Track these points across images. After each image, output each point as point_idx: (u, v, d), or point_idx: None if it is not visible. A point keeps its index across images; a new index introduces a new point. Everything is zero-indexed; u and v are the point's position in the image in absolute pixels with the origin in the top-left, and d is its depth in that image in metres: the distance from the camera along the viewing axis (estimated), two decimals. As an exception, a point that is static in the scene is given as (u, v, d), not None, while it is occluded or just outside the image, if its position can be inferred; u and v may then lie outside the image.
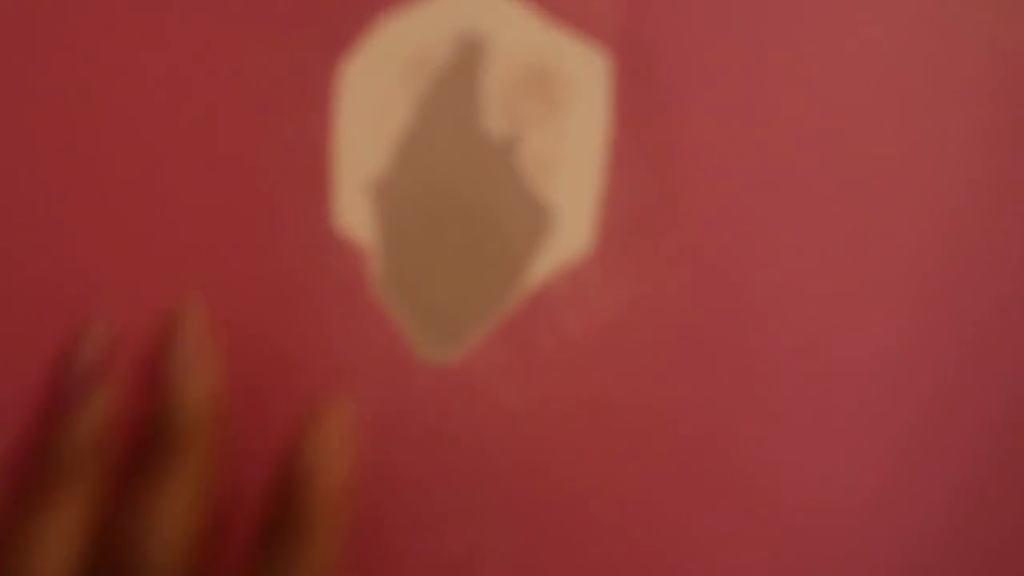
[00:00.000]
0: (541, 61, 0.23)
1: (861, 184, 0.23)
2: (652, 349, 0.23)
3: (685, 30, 0.23)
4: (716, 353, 0.23)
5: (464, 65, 0.23)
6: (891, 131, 0.23)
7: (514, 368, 0.24)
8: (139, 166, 0.23)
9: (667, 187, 0.23)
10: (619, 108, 0.23)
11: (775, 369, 0.23)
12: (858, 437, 0.24)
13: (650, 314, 0.23)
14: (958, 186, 0.23)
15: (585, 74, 0.23)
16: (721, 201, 0.23)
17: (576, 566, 0.24)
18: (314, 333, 0.24)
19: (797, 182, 0.23)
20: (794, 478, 0.24)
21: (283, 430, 0.23)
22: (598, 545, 0.24)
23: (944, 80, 0.23)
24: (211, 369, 0.22)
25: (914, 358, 0.23)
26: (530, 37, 0.23)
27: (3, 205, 0.23)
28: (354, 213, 0.24)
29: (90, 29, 0.23)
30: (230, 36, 0.23)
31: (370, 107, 0.23)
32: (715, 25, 0.23)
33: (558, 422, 0.24)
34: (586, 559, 0.24)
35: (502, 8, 0.23)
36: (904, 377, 0.23)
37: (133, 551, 0.20)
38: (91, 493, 0.20)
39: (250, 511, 0.22)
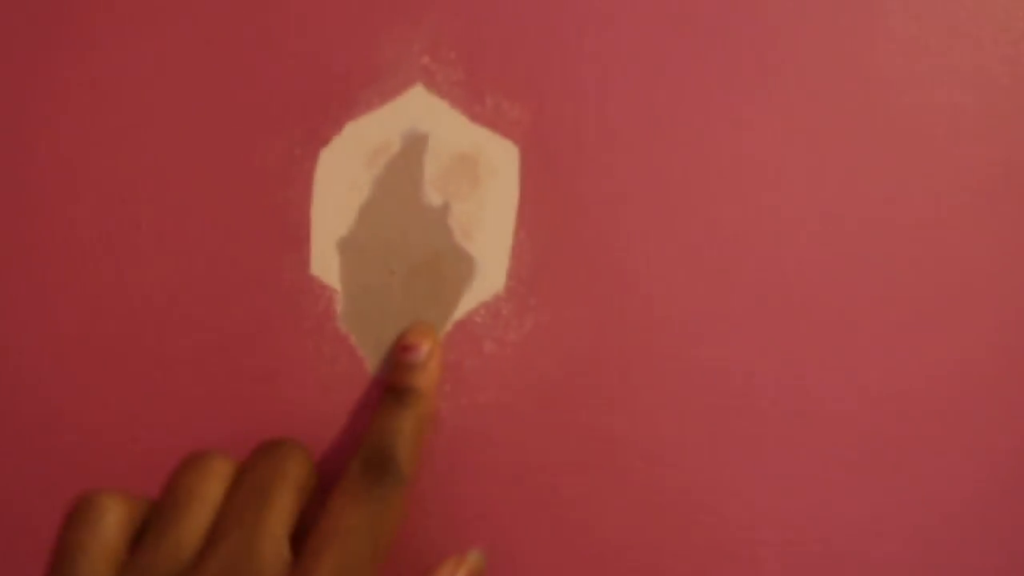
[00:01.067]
0: (468, 150, 0.31)
1: (706, 238, 0.30)
2: (553, 365, 0.30)
3: (574, 128, 0.31)
4: (602, 368, 0.30)
5: (410, 153, 0.31)
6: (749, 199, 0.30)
7: (445, 381, 0.30)
8: (160, 222, 0.31)
9: (562, 243, 0.30)
10: (526, 185, 0.31)
11: (650, 378, 0.30)
12: (729, 436, 0.30)
13: (551, 338, 0.30)
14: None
15: (501, 160, 0.31)
16: (603, 252, 0.30)
17: (500, 539, 0.30)
18: (294, 354, 0.31)
19: (664, 239, 0.30)
20: (674, 466, 0.30)
21: (271, 426, 0.30)
22: (514, 528, 0.30)
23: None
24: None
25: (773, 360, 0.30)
26: (460, 133, 0.31)
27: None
28: (326, 263, 0.31)
29: (121, 111, 0.31)
30: (238, 128, 0.31)
31: (340, 184, 0.31)
32: (596, 124, 0.31)
33: (477, 421, 0.30)
34: (504, 542, 0.30)
35: (439, 111, 0.31)
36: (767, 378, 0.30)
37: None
38: None
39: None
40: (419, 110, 0.31)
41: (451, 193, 0.31)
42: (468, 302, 0.30)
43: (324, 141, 0.31)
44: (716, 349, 0.30)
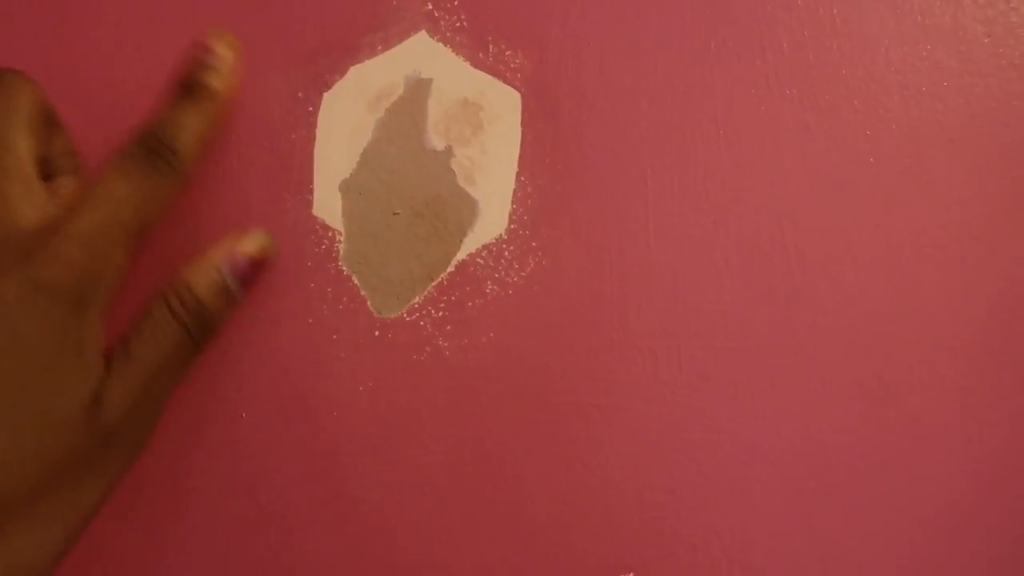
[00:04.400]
0: (471, 96, 0.32)
1: (706, 181, 0.31)
2: (551, 306, 0.31)
3: (575, 76, 0.32)
4: (599, 308, 0.31)
5: (414, 98, 0.32)
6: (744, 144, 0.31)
7: (448, 320, 0.31)
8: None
9: (562, 187, 0.31)
10: (527, 130, 0.31)
11: (649, 320, 0.31)
12: (722, 386, 0.31)
13: (550, 280, 0.31)
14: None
15: (503, 106, 0.31)
16: (602, 197, 0.31)
17: (495, 480, 0.30)
18: (298, 294, 0.31)
19: (664, 183, 0.31)
20: (669, 413, 0.31)
21: (273, 365, 0.30)
22: (512, 465, 0.30)
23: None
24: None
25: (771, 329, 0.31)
26: (463, 79, 0.32)
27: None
28: (329, 205, 0.31)
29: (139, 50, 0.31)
30: (246, 69, 0.31)
31: (343, 127, 0.31)
32: (596, 72, 0.32)
33: (479, 361, 0.31)
34: (501, 474, 0.30)
35: (443, 57, 0.32)
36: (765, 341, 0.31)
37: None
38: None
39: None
40: (422, 56, 0.32)
41: (454, 137, 0.31)
42: (470, 244, 0.31)
43: (328, 85, 0.32)
44: (713, 292, 0.31)
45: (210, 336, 0.28)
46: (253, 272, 0.29)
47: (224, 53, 0.29)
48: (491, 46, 0.32)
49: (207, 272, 0.28)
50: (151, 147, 0.26)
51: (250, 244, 0.29)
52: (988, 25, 0.32)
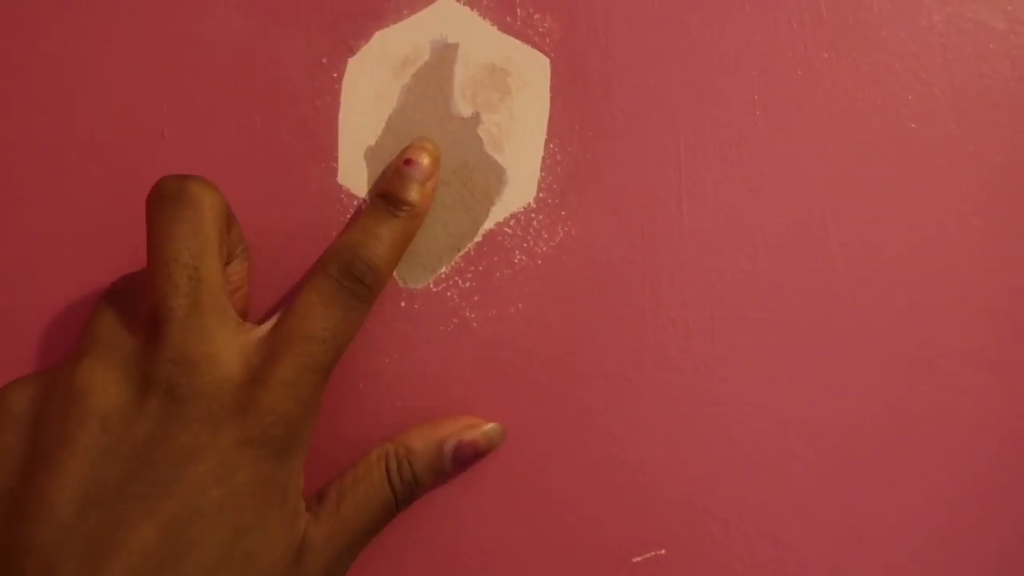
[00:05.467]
0: (498, 61, 0.31)
1: (737, 148, 0.30)
2: (580, 277, 0.30)
3: (605, 40, 0.31)
4: (629, 279, 0.30)
5: (440, 63, 0.31)
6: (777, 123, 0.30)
7: (476, 291, 0.30)
8: (186, 133, 0.30)
9: (592, 155, 0.30)
10: (556, 96, 0.31)
11: (679, 291, 0.30)
12: (751, 356, 0.30)
13: (579, 250, 0.30)
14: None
15: (531, 71, 0.31)
16: (633, 165, 0.30)
17: (523, 453, 0.30)
18: (321, 264, 0.30)
19: (694, 152, 0.30)
20: (701, 385, 0.30)
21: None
22: (537, 434, 0.30)
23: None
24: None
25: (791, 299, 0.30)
26: (490, 43, 0.31)
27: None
28: (354, 173, 0.30)
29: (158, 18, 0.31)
30: (268, 34, 0.31)
31: (368, 93, 0.31)
32: (627, 36, 0.31)
33: (507, 332, 0.30)
34: (528, 447, 0.30)
35: (469, 22, 0.31)
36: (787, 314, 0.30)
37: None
38: None
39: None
40: (449, 20, 0.31)
41: (481, 104, 0.31)
42: (498, 213, 0.30)
43: (352, 50, 0.31)
44: (748, 262, 0.30)
45: (406, 507, 0.28)
46: (473, 461, 0.29)
47: (427, 164, 0.28)
48: (519, 9, 0.31)
49: (432, 450, 0.28)
50: (353, 269, 0.26)
51: (482, 437, 0.29)
52: (1036, -15, 0.31)
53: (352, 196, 0.30)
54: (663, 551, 0.29)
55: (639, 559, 0.29)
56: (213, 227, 0.25)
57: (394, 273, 0.30)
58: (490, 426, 0.29)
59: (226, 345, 0.24)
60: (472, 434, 0.28)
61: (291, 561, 0.24)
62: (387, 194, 0.28)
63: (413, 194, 0.28)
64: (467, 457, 0.28)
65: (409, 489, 0.27)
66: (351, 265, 0.26)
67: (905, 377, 0.30)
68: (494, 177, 0.30)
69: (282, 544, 0.24)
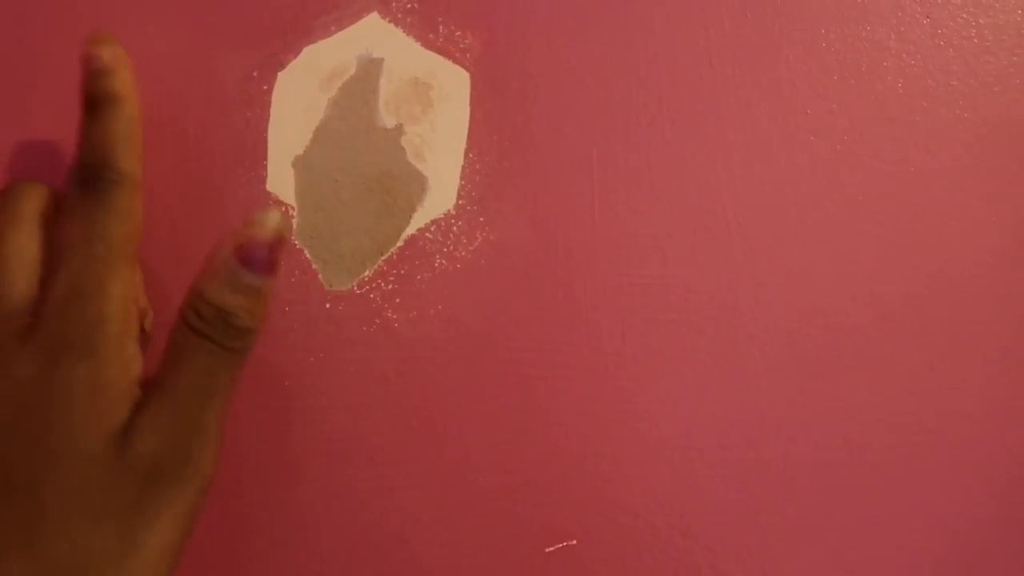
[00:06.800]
0: (421, 75, 0.32)
1: (649, 154, 0.32)
2: (498, 280, 0.32)
3: (522, 56, 0.32)
4: (544, 282, 0.32)
5: (365, 77, 0.32)
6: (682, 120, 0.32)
7: (397, 293, 0.32)
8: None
9: (510, 164, 0.32)
10: (476, 109, 0.32)
11: (593, 294, 0.32)
12: (667, 351, 0.31)
13: (497, 255, 0.32)
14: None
15: (452, 85, 0.32)
16: (549, 174, 0.32)
17: (442, 448, 0.31)
18: (249, 267, 0.32)
19: (607, 163, 0.32)
20: (612, 384, 0.31)
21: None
22: (460, 433, 0.31)
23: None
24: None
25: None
26: (414, 58, 0.32)
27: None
28: (282, 180, 0.32)
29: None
30: (202, 49, 0.32)
31: (297, 105, 0.32)
32: (543, 51, 0.32)
33: (427, 333, 0.31)
34: (447, 443, 0.31)
35: (394, 38, 0.32)
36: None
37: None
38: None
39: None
40: (375, 36, 0.32)
41: (404, 115, 0.32)
42: (420, 219, 0.32)
43: (282, 64, 0.32)
44: (657, 267, 0.32)
45: (246, 337, 0.26)
46: (272, 256, 0.26)
47: (109, 53, 0.28)
48: (441, 27, 0.32)
49: (219, 275, 0.26)
50: (88, 174, 0.27)
51: (260, 230, 0.26)
52: (927, 6, 0.33)
53: (280, 202, 0.32)
54: (574, 541, 0.31)
55: (551, 549, 0.31)
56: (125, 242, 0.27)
57: (319, 275, 0.31)
58: (265, 214, 0.26)
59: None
60: (247, 232, 0.26)
61: (114, 444, 0.25)
62: (89, 99, 0.28)
63: (111, 84, 0.28)
64: (260, 261, 0.26)
65: (222, 324, 0.26)
66: (84, 174, 0.27)
67: (806, 373, 0.31)
68: (416, 185, 0.32)
69: (98, 431, 0.25)
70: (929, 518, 0.31)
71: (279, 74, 0.32)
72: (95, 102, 0.27)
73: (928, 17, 0.32)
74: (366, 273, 0.32)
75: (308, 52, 0.32)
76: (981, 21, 0.32)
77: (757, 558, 0.31)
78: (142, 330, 0.28)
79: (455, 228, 0.32)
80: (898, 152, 0.32)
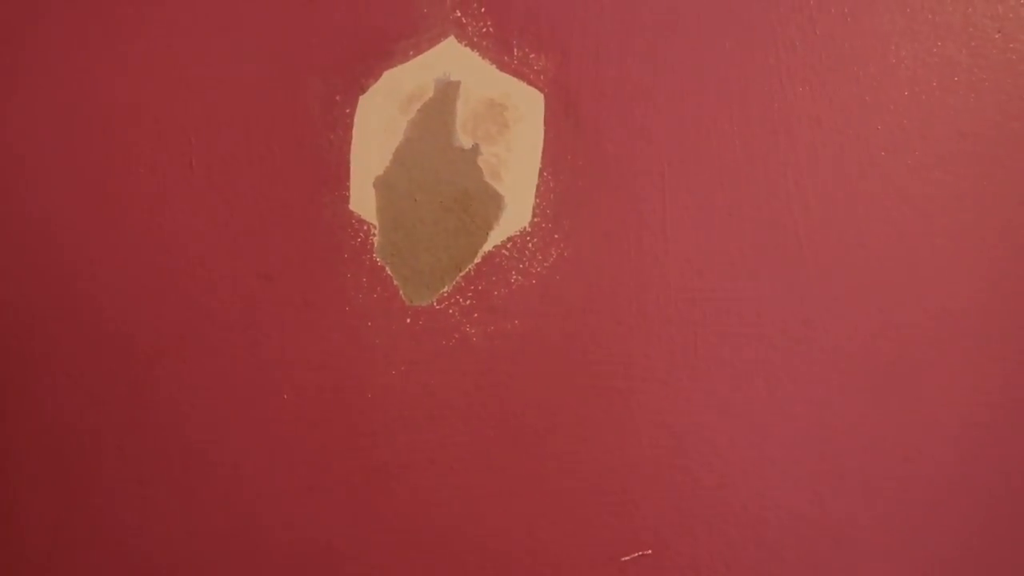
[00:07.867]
0: (497, 97, 0.33)
1: (725, 182, 0.33)
2: (572, 295, 0.33)
3: (595, 77, 0.33)
4: (617, 297, 0.32)
5: (443, 100, 0.34)
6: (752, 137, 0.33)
7: (475, 308, 0.33)
8: (212, 162, 0.33)
9: (583, 182, 0.33)
10: (550, 129, 0.33)
11: (664, 308, 0.32)
12: (734, 369, 0.32)
13: (571, 270, 0.33)
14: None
15: (527, 106, 0.33)
16: (620, 191, 0.33)
17: (519, 458, 0.32)
18: (335, 283, 0.33)
19: (678, 179, 0.33)
20: (685, 395, 0.32)
21: (311, 352, 0.32)
22: (534, 445, 0.32)
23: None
24: None
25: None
26: (489, 81, 0.33)
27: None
28: (364, 200, 0.33)
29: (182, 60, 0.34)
30: (286, 76, 0.34)
31: (378, 127, 0.33)
32: (615, 73, 0.33)
33: (505, 347, 0.32)
34: (524, 453, 0.32)
35: (470, 61, 0.34)
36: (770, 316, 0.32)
37: None
38: None
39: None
40: (452, 60, 0.34)
41: (480, 136, 0.33)
42: (496, 236, 0.33)
43: (363, 88, 0.34)
44: (728, 281, 0.32)
45: None
46: None
47: None
48: (516, 49, 0.33)
49: None
50: None
51: None
52: (999, 21, 0.33)
53: (362, 222, 0.33)
54: (650, 551, 0.31)
55: (627, 558, 0.31)
56: None
57: (400, 292, 0.33)
58: None
59: None
60: None
61: None
62: None
63: None
64: None
65: None
66: None
67: (878, 391, 0.31)
68: (492, 204, 0.33)
69: None
70: (1012, 528, 0.31)
71: (360, 98, 0.34)
72: None
73: (1000, 32, 0.32)
74: (445, 289, 0.33)
75: (388, 76, 0.34)
76: (1054, 35, 0.32)
77: (831, 570, 0.31)
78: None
79: (530, 245, 0.33)
80: (970, 167, 0.32)
